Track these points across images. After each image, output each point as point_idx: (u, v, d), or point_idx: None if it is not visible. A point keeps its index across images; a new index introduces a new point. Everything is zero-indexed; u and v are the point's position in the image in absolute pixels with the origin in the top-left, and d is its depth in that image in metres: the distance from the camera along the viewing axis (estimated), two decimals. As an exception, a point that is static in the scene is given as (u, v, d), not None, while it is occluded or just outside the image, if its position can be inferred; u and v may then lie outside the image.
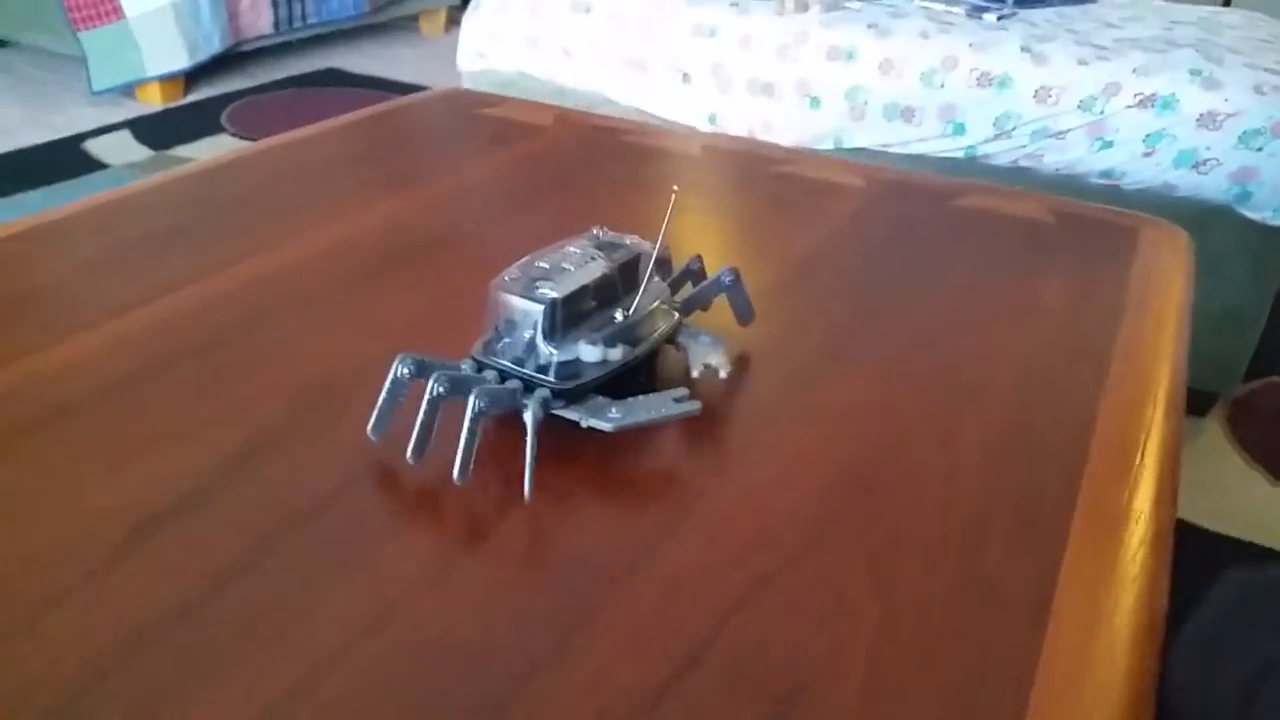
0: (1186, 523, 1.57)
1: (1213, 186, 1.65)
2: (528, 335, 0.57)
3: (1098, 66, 1.68)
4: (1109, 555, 0.48)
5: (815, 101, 1.85)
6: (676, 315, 0.64)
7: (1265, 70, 1.66)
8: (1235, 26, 1.98)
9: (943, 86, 1.73)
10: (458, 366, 0.58)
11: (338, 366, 0.63)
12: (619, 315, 0.60)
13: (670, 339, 0.64)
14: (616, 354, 0.59)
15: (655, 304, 0.62)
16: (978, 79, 1.71)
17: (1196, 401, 1.86)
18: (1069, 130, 1.68)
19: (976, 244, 0.84)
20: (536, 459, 0.56)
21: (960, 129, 1.74)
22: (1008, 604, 0.46)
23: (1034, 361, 0.66)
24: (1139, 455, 0.55)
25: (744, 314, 0.69)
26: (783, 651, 0.43)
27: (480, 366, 0.58)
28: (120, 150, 2.80)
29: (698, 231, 0.85)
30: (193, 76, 3.39)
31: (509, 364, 0.58)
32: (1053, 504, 0.52)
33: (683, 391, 0.57)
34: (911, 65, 1.75)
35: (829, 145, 1.87)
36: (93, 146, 2.82)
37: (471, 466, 0.52)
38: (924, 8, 1.95)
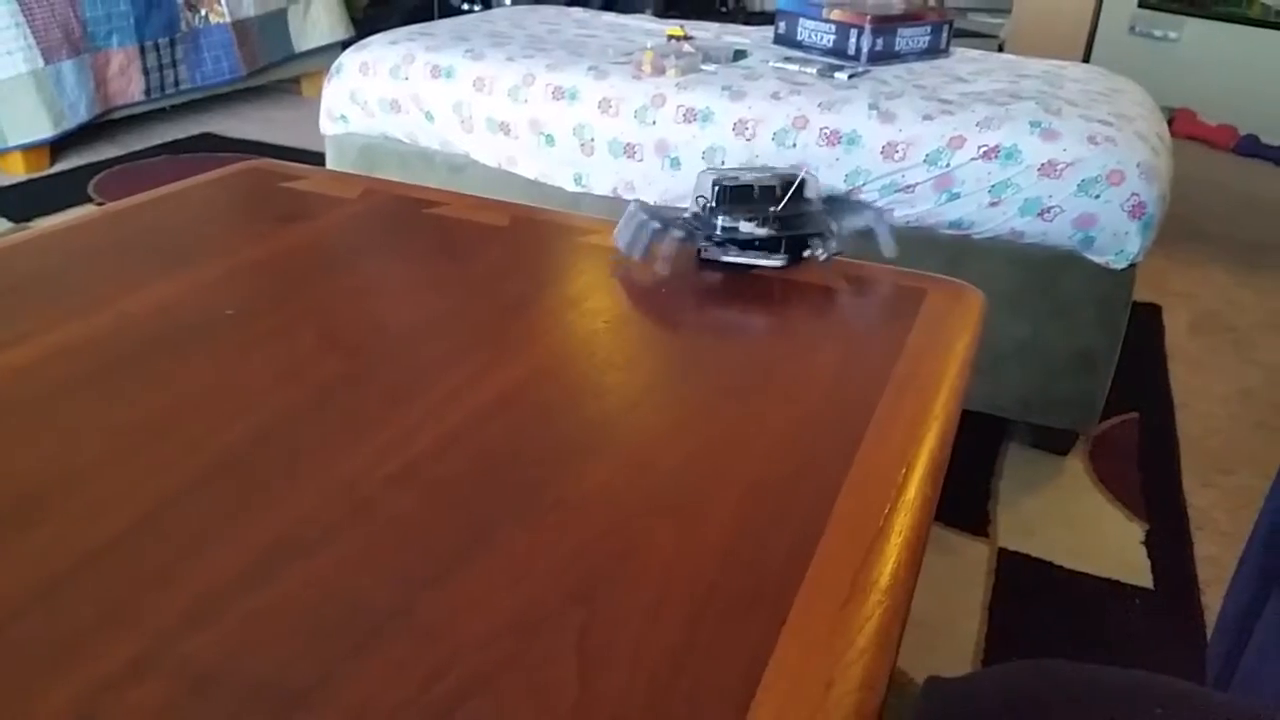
0: (1045, 561, 1.61)
1: (1058, 233, 1.71)
2: (709, 205, 0.94)
3: (943, 121, 1.74)
4: (827, 631, 0.48)
5: (675, 162, 1.87)
6: (820, 215, 0.95)
7: (1099, 122, 1.73)
8: (1076, 80, 2.07)
9: (794, 145, 1.76)
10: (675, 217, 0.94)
11: (45, 470, 0.61)
12: (771, 209, 0.93)
13: (817, 233, 0.94)
14: (762, 231, 0.93)
15: (807, 209, 0.95)
16: (827, 137, 1.75)
17: (1058, 441, 1.91)
18: (917, 184, 1.73)
19: (765, 311, 0.85)
20: (674, 248, 0.92)
21: (814, 185, 1.78)
22: (721, 676, 0.46)
23: (791, 434, 0.66)
24: (877, 530, 0.55)
25: (889, 245, 0.99)
26: None
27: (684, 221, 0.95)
28: (-23, 224, 2.70)
29: (494, 300, 0.85)
30: (60, 145, 3.30)
31: (692, 220, 0.95)
32: (778, 580, 0.52)
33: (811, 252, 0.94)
34: (765, 126, 1.79)
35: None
36: (-54, 221, 2.71)
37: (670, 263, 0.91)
38: (778, 68, 2.00)
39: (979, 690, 0.44)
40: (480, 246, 0.95)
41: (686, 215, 0.97)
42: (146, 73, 3.40)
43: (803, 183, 0.96)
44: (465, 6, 4.66)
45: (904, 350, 0.75)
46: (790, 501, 0.59)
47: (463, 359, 0.75)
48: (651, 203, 1.92)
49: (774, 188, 0.95)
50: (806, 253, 0.94)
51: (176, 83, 3.51)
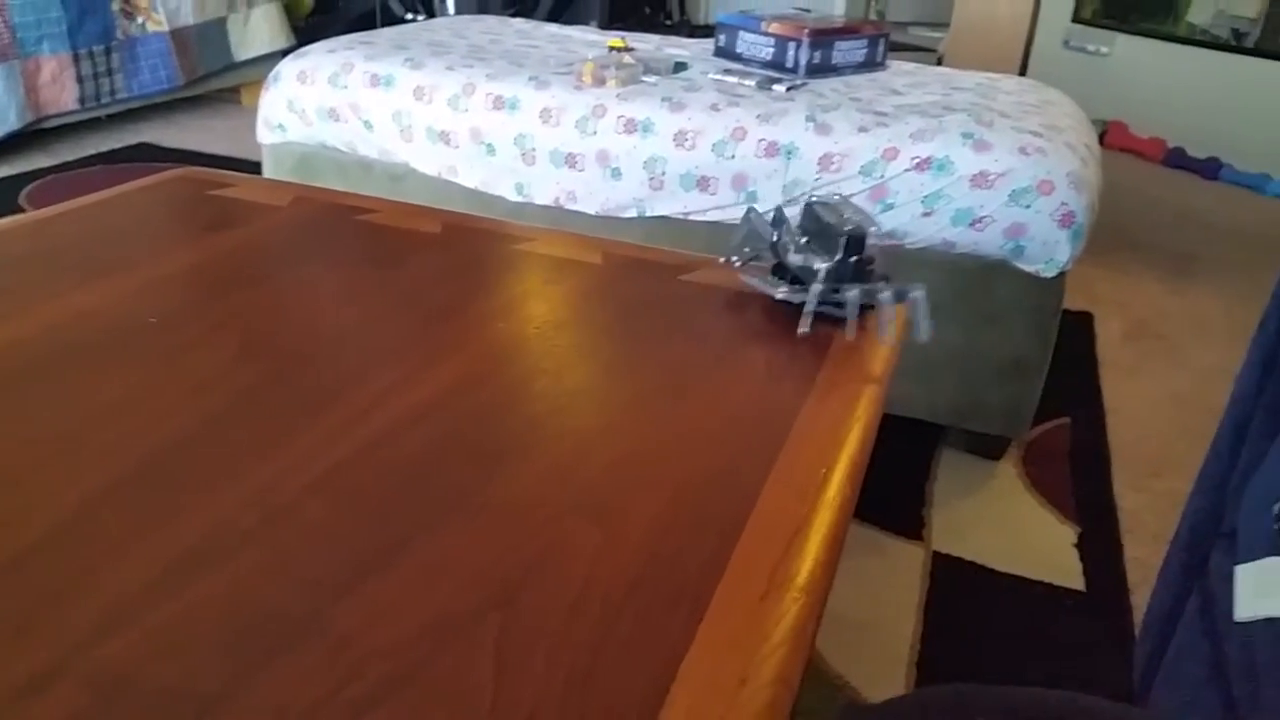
0: (979, 564, 1.63)
1: (989, 243, 1.74)
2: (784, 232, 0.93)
3: (877, 133, 1.76)
4: (743, 627, 0.49)
5: (616, 172, 1.87)
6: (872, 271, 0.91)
7: (1029, 133, 1.77)
8: (1010, 92, 2.11)
9: (733, 157, 1.78)
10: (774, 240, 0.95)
11: None
12: (839, 255, 0.88)
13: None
14: (830, 267, 0.88)
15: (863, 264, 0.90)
16: (765, 149, 1.77)
17: (991, 446, 1.94)
18: (853, 195, 1.75)
19: (694, 319, 0.86)
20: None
21: (753, 196, 1.79)
22: (637, 672, 0.46)
23: (715, 437, 0.67)
24: (795, 529, 0.56)
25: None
26: None
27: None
28: (-99, 235, 2.62)
29: (422, 307, 0.85)
30: (-11, 154, 3.22)
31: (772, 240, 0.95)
32: (698, 578, 0.53)
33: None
34: (704, 137, 1.80)
35: (633, 214, 1.90)
36: None
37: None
38: (717, 80, 2.02)
39: (895, 717, 0.44)
40: (411, 254, 0.95)
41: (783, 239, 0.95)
42: (80, 81, 3.33)
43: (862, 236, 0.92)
44: (409, 16, 4.64)
45: (828, 356, 0.77)
46: (713, 502, 0.60)
47: (387, 366, 0.75)
48: (591, 214, 1.93)
49: (838, 232, 0.90)
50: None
51: (112, 92, 3.45)
